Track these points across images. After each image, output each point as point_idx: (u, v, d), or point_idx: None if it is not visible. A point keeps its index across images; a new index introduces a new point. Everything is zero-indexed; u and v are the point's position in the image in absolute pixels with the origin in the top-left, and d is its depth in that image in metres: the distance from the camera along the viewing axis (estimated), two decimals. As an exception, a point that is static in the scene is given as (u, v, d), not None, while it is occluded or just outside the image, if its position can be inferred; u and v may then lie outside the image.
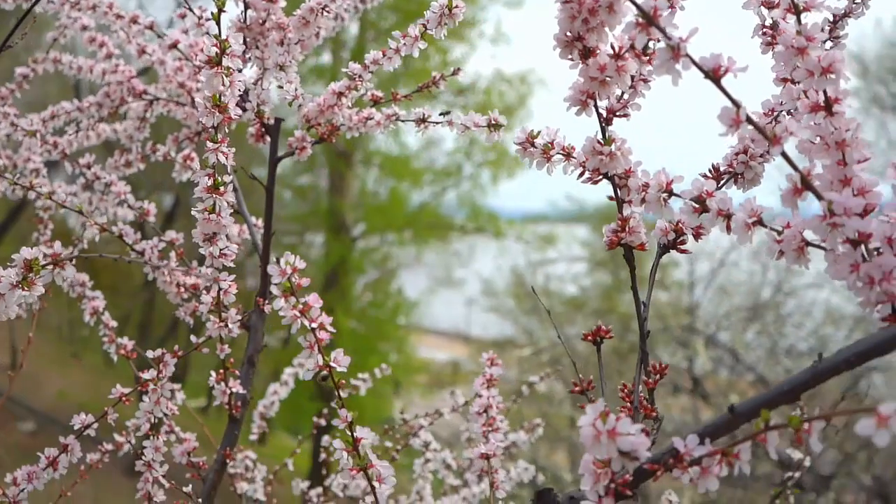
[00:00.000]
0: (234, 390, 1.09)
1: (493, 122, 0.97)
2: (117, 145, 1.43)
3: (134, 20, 1.19)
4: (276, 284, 0.71)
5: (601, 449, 0.58)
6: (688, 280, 7.83)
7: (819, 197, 0.59)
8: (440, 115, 1.04)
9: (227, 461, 1.12)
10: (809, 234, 0.64)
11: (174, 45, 1.15)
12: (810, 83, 0.61)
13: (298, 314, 0.71)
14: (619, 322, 8.53)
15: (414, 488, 1.43)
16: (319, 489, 1.46)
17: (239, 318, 1.02)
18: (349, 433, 0.75)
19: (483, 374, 1.11)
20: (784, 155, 0.59)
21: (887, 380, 6.18)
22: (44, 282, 0.74)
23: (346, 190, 11.44)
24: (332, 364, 0.73)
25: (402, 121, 1.09)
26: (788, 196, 0.60)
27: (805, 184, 0.59)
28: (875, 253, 0.61)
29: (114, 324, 1.19)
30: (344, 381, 0.75)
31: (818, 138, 0.63)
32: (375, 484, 0.74)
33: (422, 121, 1.07)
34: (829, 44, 0.84)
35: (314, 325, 0.72)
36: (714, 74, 0.58)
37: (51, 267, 0.74)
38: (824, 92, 0.62)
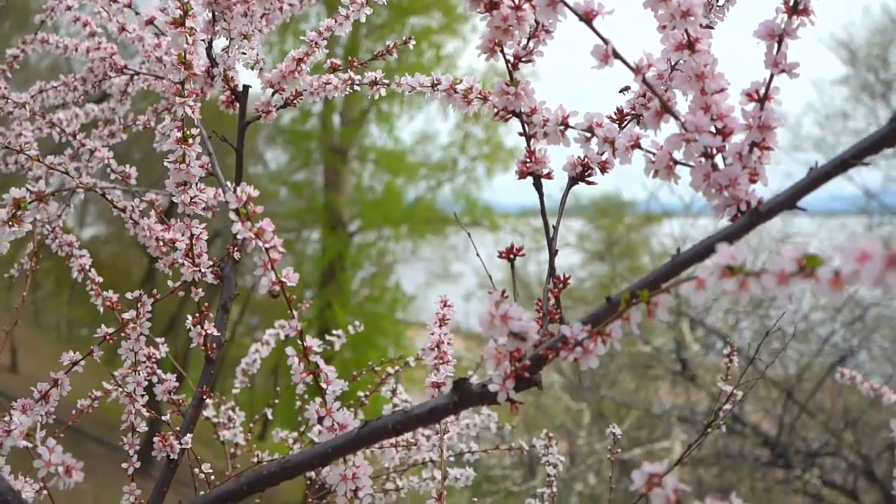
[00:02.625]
0: (209, 332, 1.20)
1: (435, 82, 1.08)
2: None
3: (113, -1, 1.30)
4: (233, 210, 0.82)
5: (495, 330, 0.69)
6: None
7: (676, 117, 0.70)
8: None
9: (204, 398, 1.24)
10: (678, 156, 0.75)
11: (150, 21, 1.26)
12: (673, 25, 0.73)
13: (254, 236, 0.83)
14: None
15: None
16: (295, 433, 1.57)
17: (210, 263, 1.13)
18: (300, 342, 0.86)
19: (436, 313, 1.22)
20: (646, 83, 0.70)
21: (871, 358, 6.30)
22: (30, 219, 0.85)
23: (342, 186, 11.55)
24: (283, 280, 0.84)
25: (358, 84, 1.21)
26: (651, 118, 0.71)
27: (664, 108, 0.70)
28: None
29: (100, 279, 1.29)
30: (294, 297, 0.86)
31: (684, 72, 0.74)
32: (323, 385, 0.86)
33: (374, 83, 1.18)
34: (721, 1, 0.95)
35: (267, 245, 0.83)
36: (587, 17, 0.69)
37: (36, 203, 0.86)
38: (686, 32, 0.73)
